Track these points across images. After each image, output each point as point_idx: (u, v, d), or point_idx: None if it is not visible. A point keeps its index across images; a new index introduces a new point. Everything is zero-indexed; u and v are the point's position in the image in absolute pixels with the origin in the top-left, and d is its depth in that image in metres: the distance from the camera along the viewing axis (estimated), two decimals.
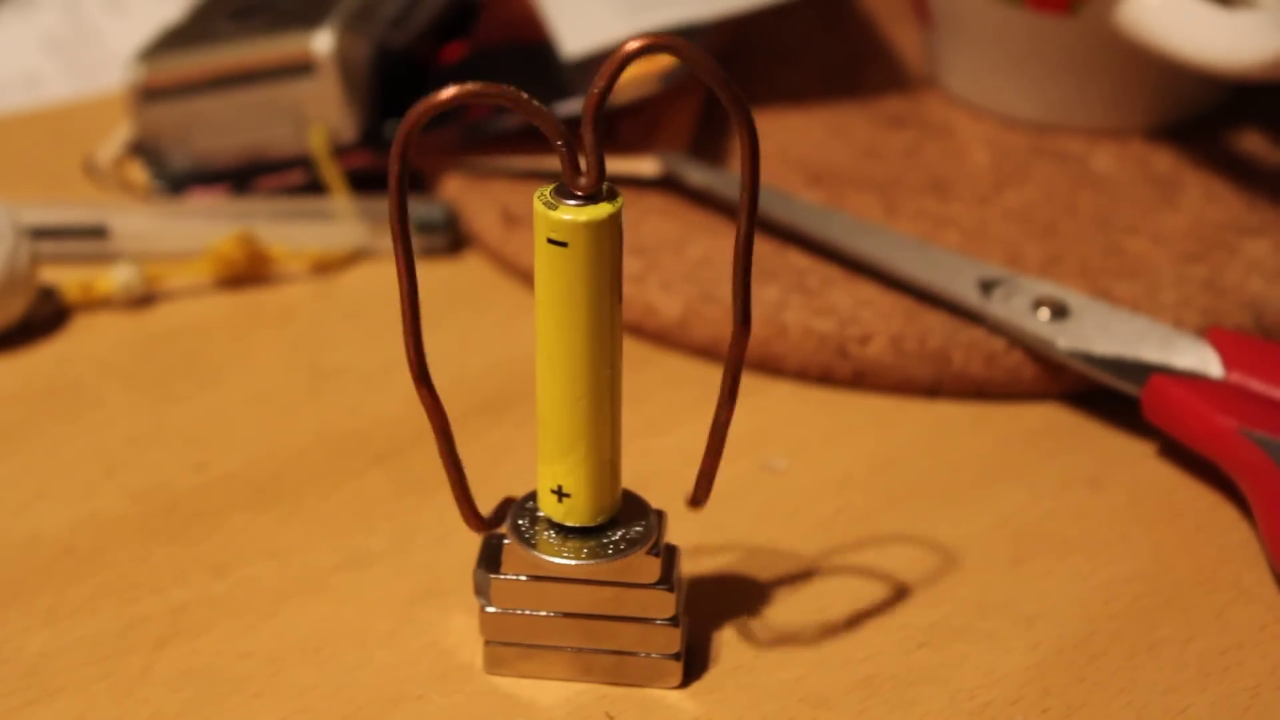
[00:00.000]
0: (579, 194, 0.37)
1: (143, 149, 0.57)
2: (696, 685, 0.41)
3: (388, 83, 0.56)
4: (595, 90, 0.36)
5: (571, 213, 0.36)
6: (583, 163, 0.37)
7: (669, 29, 0.56)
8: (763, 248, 0.52)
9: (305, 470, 0.46)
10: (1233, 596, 0.43)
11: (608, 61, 0.36)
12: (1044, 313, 0.48)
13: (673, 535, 0.41)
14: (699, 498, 0.41)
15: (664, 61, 0.55)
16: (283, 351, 0.51)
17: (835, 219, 0.52)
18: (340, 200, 0.54)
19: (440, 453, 0.39)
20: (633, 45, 0.35)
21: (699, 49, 0.36)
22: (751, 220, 0.37)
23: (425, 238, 0.54)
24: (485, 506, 0.41)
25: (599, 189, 0.37)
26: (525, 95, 0.36)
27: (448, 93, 0.36)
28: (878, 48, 0.62)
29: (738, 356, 0.39)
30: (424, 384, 0.38)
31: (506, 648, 0.41)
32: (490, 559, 0.40)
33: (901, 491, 0.46)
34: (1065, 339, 0.47)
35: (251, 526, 0.45)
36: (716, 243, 0.52)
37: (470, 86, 0.36)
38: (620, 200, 0.37)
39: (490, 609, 0.40)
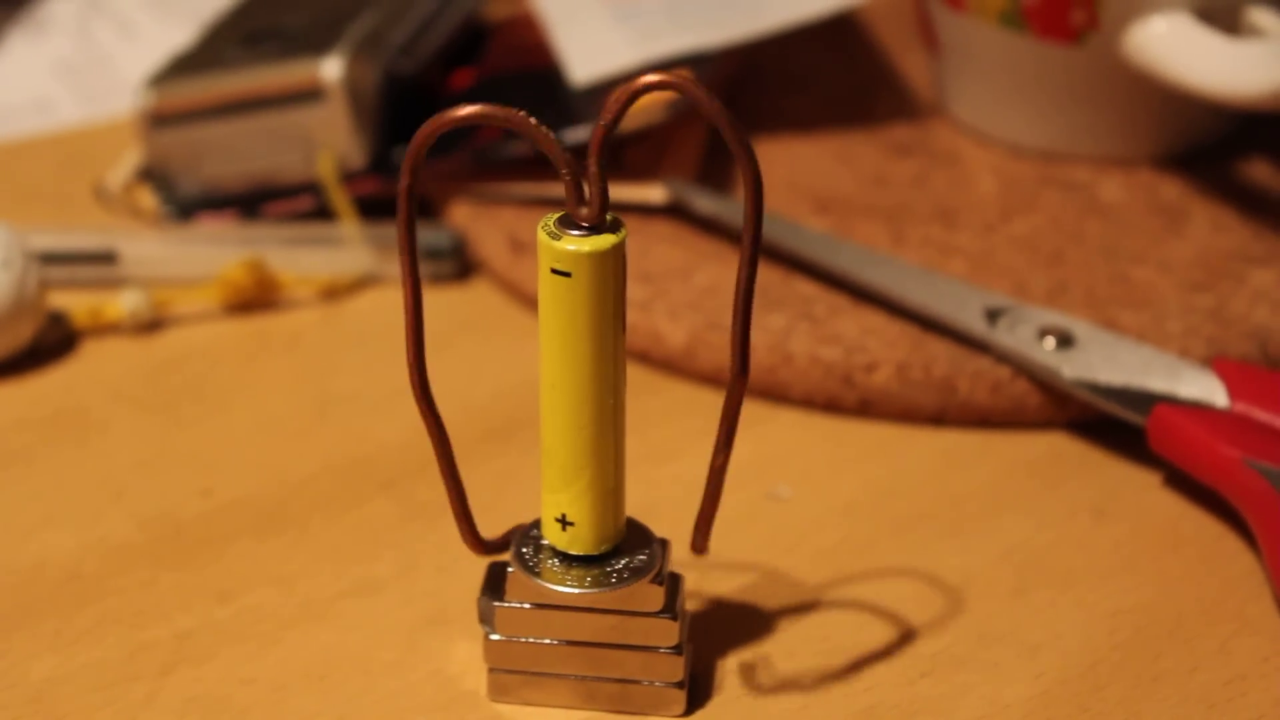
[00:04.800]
0: (583, 224, 0.37)
1: (152, 174, 0.57)
2: (700, 714, 0.41)
3: (396, 109, 0.56)
4: (601, 124, 0.36)
5: (575, 243, 0.37)
6: (587, 191, 0.37)
7: (678, 57, 0.56)
8: (769, 276, 0.52)
9: (311, 497, 0.47)
10: (1237, 628, 0.43)
11: (615, 95, 0.36)
12: (1049, 342, 0.48)
13: (676, 564, 0.41)
14: (699, 545, 0.41)
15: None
16: (290, 377, 0.51)
17: (842, 247, 0.52)
18: (349, 226, 0.54)
19: (441, 472, 0.40)
20: (641, 81, 0.36)
21: (708, 91, 0.36)
22: (753, 269, 0.38)
23: (433, 264, 0.54)
24: (490, 533, 0.41)
25: (602, 220, 0.37)
26: (534, 121, 0.36)
27: (463, 110, 0.36)
28: (886, 76, 0.62)
29: (735, 403, 0.39)
30: (424, 400, 0.38)
31: (511, 675, 0.41)
32: (495, 587, 0.40)
33: (906, 520, 0.46)
34: (1070, 368, 0.47)
35: (257, 553, 0.45)
36: (723, 271, 0.52)
37: (483, 107, 0.36)
38: (624, 231, 0.37)
39: (494, 636, 0.40)
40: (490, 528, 0.45)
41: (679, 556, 0.41)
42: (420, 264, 0.53)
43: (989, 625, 0.43)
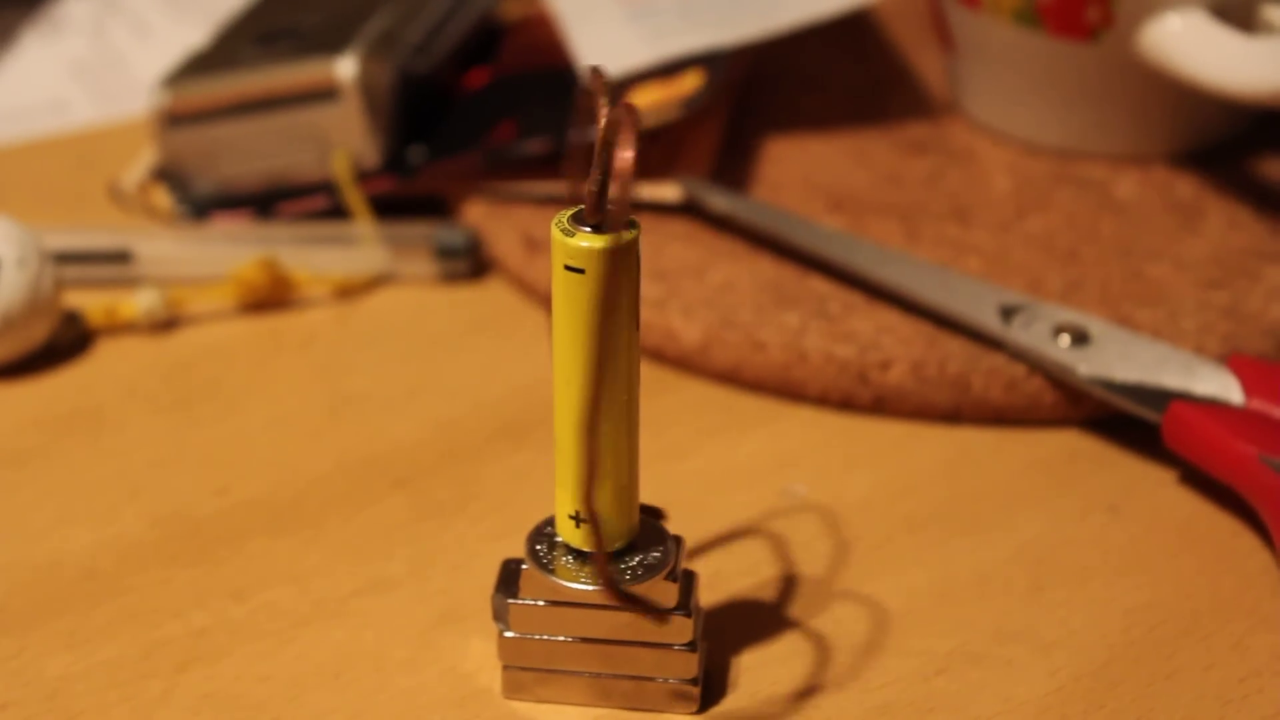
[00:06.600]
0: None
1: (167, 174, 0.57)
2: (714, 711, 0.41)
3: (411, 108, 0.57)
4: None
5: (588, 239, 0.37)
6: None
7: (691, 56, 0.56)
8: (784, 274, 0.52)
9: (326, 495, 0.47)
10: (1252, 624, 0.43)
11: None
12: (1064, 339, 0.48)
13: (690, 561, 0.41)
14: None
15: (686, 87, 0.55)
16: (304, 376, 0.51)
17: (857, 245, 0.52)
18: (363, 225, 0.54)
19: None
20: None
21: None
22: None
23: (448, 263, 0.54)
24: (504, 530, 0.41)
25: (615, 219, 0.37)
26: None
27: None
28: (900, 74, 0.62)
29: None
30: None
31: (525, 673, 0.41)
32: (508, 584, 0.40)
33: (921, 518, 0.46)
34: (1086, 365, 0.47)
35: (272, 551, 0.45)
36: (738, 269, 0.52)
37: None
38: (638, 227, 0.37)
39: (508, 634, 0.40)
40: (503, 525, 0.45)
41: (693, 554, 0.41)
42: (435, 263, 0.54)
43: (1003, 622, 0.43)
